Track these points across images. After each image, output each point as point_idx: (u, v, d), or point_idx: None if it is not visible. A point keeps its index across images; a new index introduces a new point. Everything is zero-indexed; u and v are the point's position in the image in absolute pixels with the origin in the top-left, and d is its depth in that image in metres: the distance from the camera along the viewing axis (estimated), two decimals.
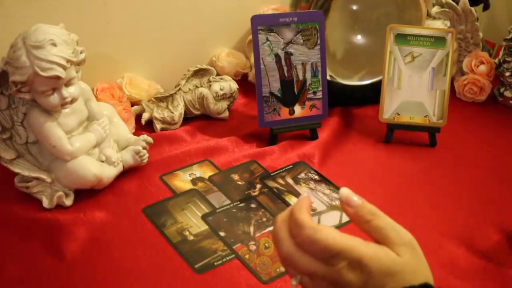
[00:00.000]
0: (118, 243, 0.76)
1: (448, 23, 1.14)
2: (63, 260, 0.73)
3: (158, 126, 1.01)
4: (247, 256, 0.74)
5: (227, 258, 0.74)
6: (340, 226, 0.80)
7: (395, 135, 1.01)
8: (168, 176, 0.89)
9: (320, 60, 0.98)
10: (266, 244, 0.76)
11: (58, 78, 0.73)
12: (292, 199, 0.85)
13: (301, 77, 0.98)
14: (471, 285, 0.71)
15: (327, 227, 0.47)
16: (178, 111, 1.02)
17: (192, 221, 0.80)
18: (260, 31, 0.94)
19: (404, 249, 0.50)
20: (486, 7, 1.22)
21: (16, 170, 0.81)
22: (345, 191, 0.50)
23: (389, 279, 0.49)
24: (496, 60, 1.16)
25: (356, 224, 0.49)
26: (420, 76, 0.99)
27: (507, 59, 1.12)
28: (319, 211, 0.83)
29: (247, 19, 0.94)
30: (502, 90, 1.15)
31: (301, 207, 0.50)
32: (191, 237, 0.77)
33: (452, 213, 0.84)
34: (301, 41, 0.96)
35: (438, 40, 0.98)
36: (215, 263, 0.73)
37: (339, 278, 0.46)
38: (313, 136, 1.00)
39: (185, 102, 1.04)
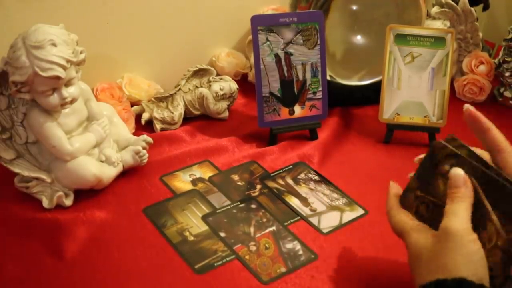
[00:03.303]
0: (118, 243, 0.76)
1: (448, 23, 1.14)
2: (63, 260, 0.73)
3: (158, 126, 1.01)
4: (247, 257, 0.74)
5: (227, 258, 0.74)
6: (340, 227, 0.80)
7: (395, 135, 1.01)
8: (168, 177, 0.90)
9: (320, 60, 0.98)
10: (267, 245, 0.76)
11: (58, 78, 0.73)
12: (292, 200, 0.85)
13: (301, 77, 0.98)
14: None
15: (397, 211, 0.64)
16: (178, 111, 1.02)
17: (192, 222, 0.80)
18: (260, 31, 0.94)
19: (435, 234, 0.58)
20: (486, 7, 1.22)
21: (16, 170, 0.81)
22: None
23: (414, 261, 0.59)
24: (496, 60, 1.16)
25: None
26: (420, 76, 0.99)
27: (507, 59, 1.12)
28: (319, 212, 0.83)
29: (247, 19, 0.94)
30: (502, 90, 1.16)
31: (389, 193, 0.67)
32: (191, 238, 0.77)
33: None
34: (301, 41, 0.96)
35: (438, 40, 0.98)
36: (215, 264, 0.73)
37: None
38: (313, 136, 1.00)
39: (185, 102, 1.04)
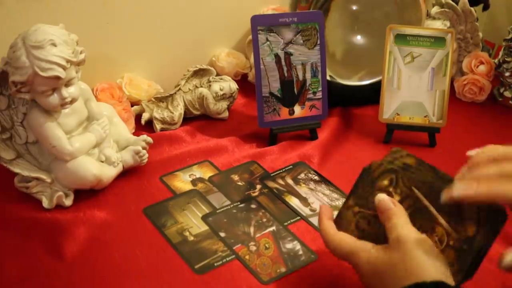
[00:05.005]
0: (118, 243, 0.76)
1: (448, 23, 1.14)
2: (63, 260, 0.73)
3: (158, 126, 1.01)
4: (247, 257, 0.74)
5: (227, 258, 0.74)
6: None
7: (394, 135, 1.01)
8: (168, 177, 0.90)
9: (320, 60, 0.98)
10: (266, 245, 0.76)
11: (58, 78, 0.73)
12: (292, 200, 0.85)
13: (301, 77, 0.98)
14: None
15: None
16: (178, 111, 1.02)
17: (192, 222, 0.80)
18: (260, 31, 0.94)
19: (387, 248, 0.59)
20: (486, 7, 1.22)
21: (16, 170, 0.81)
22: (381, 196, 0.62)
23: (373, 279, 0.59)
24: (496, 60, 1.16)
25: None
26: (419, 76, 0.99)
27: (506, 59, 1.12)
28: (319, 212, 0.83)
29: (247, 19, 0.94)
30: (501, 90, 1.16)
31: (321, 217, 0.67)
32: (191, 238, 0.77)
33: None
34: (301, 41, 0.96)
35: (437, 40, 0.98)
36: (215, 264, 0.73)
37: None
38: (313, 136, 1.00)
39: (185, 102, 1.04)
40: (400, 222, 0.59)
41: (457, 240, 0.58)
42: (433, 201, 0.60)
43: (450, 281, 0.55)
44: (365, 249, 0.60)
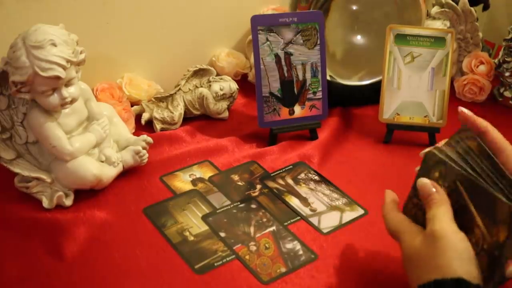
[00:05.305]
0: (118, 243, 0.76)
1: (448, 23, 1.14)
2: (63, 260, 0.73)
3: (158, 126, 1.01)
4: (247, 257, 0.74)
5: (227, 258, 0.74)
6: (340, 227, 0.80)
7: (395, 135, 1.01)
8: (168, 177, 0.90)
9: (320, 60, 0.98)
10: (267, 245, 0.76)
11: (58, 78, 0.73)
12: (292, 200, 0.85)
13: (301, 77, 0.98)
14: None
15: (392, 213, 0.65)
16: (178, 111, 1.02)
17: (192, 222, 0.80)
18: (260, 31, 0.94)
19: (424, 238, 0.58)
20: (486, 7, 1.22)
21: (16, 170, 0.81)
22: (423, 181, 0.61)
23: (408, 263, 0.60)
24: (496, 60, 1.16)
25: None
26: (419, 76, 0.99)
27: (506, 59, 1.12)
28: (319, 212, 0.83)
29: (247, 19, 0.94)
30: (501, 90, 1.16)
31: (386, 199, 0.67)
32: (191, 238, 0.77)
33: None
34: (301, 41, 0.96)
35: (437, 40, 0.98)
36: (215, 264, 0.73)
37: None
38: (313, 136, 1.00)
39: (185, 102, 1.04)
40: (440, 214, 0.58)
41: (490, 244, 0.56)
42: (473, 198, 0.58)
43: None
44: (410, 233, 0.60)
